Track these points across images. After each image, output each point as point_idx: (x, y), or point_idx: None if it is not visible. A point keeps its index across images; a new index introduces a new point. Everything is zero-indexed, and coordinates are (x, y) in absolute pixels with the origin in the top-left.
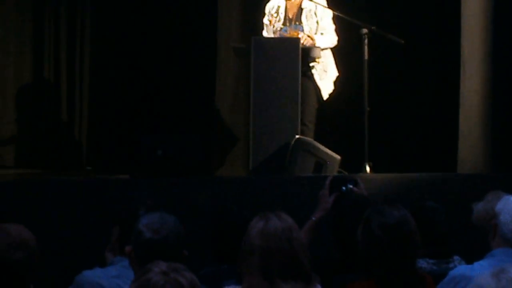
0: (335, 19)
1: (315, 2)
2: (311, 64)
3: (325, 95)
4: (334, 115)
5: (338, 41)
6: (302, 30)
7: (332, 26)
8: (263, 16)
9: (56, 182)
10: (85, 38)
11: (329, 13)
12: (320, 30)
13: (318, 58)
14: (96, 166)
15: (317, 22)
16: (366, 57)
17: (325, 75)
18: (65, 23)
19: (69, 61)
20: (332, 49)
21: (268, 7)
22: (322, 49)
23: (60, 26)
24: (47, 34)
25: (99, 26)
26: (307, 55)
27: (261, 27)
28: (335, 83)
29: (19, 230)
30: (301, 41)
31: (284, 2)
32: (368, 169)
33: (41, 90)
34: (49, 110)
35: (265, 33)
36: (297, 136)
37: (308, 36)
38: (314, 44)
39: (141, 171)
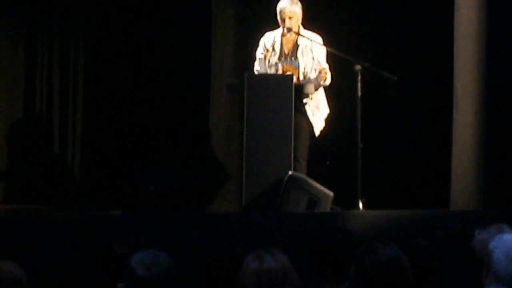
0: (329, 55)
1: (309, 39)
2: (304, 100)
3: (317, 132)
4: (327, 151)
5: (332, 78)
6: (298, 66)
7: (327, 65)
8: (256, 49)
9: (47, 218)
10: (78, 71)
11: (325, 51)
12: (316, 66)
13: (312, 94)
14: (88, 201)
15: (313, 58)
16: (359, 93)
17: (317, 111)
18: (58, 56)
19: (61, 94)
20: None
21: (263, 41)
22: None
23: (52, 60)
24: (40, 67)
25: (92, 59)
26: (300, 91)
27: (254, 61)
28: (326, 120)
29: (10, 267)
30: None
31: (280, 38)
32: (361, 205)
33: (33, 123)
34: (41, 144)
35: (256, 67)
36: (290, 172)
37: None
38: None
39: (134, 206)
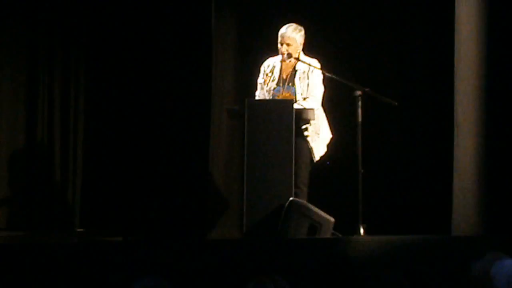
0: (327, 81)
1: (307, 64)
2: (303, 126)
3: (317, 157)
4: (328, 177)
5: (325, 103)
6: (295, 92)
7: (320, 91)
8: (258, 76)
9: (48, 245)
10: (79, 99)
11: (319, 77)
12: (308, 94)
13: (311, 120)
14: (89, 228)
15: (308, 85)
16: (359, 119)
17: (317, 137)
18: (59, 85)
19: (62, 121)
20: (325, 110)
21: (264, 67)
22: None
23: (54, 88)
24: (41, 95)
25: (93, 88)
26: (300, 117)
27: (255, 87)
28: (328, 145)
29: None
30: None
31: (280, 63)
32: (362, 231)
33: (34, 151)
34: (42, 172)
35: (258, 92)
36: (291, 199)
37: None
38: None
39: (135, 233)
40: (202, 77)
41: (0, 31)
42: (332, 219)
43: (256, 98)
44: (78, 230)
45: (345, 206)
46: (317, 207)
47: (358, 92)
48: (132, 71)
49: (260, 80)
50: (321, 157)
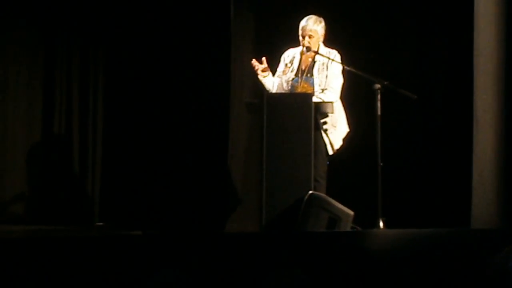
0: (347, 73)
1: (327, 57)
2: (322, 120)
3: (333, 150)
4: (347, 170)
5: (343, 96)
6: (313, 83)
7: (339, 82)
8: (278, 65)
9: (67, 239)
10: (98, 90)
11: (338, 67)
12: (326, 85)
13: (330, 113)
14: (108, 222)
15: (327, 76)
16: (379, 112)
17: (334, 130)
18: (78, 75)
19: (81, 114)
20: (343, 104)
21: (284, 57)
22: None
23: (72, 79)
24: (59, 87)
25: (112, 79)
26: (318, 110)
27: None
28: (344, 139)
29: None
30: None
31: (300, 54)
32: (381, 224)
33: (53, 145)
34: (60, 165)
35: (274, 79)
36: (310, 192)
37: None
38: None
39: (154, 227)
40: (221, 71)
41: (18, 26)
42: (352, 213)
43: (272, 85)
44: (97, 224)
45: (364, 200)
46: (337, 200)
47: (377, 85)
48: (151, 64)
49: (280, 68)
50: (337, 150)
